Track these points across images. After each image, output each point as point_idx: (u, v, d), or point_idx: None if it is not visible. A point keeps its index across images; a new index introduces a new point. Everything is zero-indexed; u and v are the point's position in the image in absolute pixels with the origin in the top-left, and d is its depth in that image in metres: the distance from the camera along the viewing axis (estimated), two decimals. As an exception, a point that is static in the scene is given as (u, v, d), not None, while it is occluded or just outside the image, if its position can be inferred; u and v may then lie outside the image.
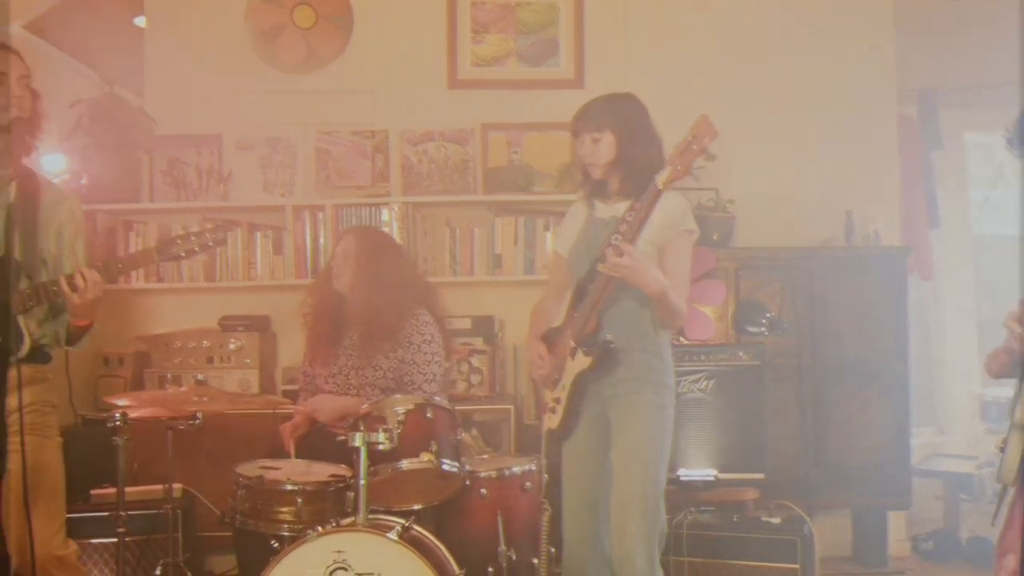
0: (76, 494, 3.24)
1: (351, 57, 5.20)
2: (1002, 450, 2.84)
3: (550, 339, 3.39)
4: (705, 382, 4.37)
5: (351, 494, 3.48)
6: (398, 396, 3.57)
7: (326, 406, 3.94)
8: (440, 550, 3.30)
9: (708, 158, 3.09)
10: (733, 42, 5.19)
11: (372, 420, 3.36)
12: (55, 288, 2.96)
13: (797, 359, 4.76)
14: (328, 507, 3.51)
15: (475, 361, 4.89)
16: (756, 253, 4.88)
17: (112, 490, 4.16)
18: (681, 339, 4.54)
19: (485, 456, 3.91)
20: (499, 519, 3.52)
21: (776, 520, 4.08)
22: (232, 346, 4.84)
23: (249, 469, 3.63)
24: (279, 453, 3.94)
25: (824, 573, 4.42)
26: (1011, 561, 2.86)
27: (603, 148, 3.28)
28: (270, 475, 3.57)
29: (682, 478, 4.28)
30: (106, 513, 4.10)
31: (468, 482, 3.51)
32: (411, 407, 3.42)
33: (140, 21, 5.24)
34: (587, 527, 3.35)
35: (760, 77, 5.18)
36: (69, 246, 3.16)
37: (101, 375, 4.83)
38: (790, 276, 4.80)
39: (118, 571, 3.84)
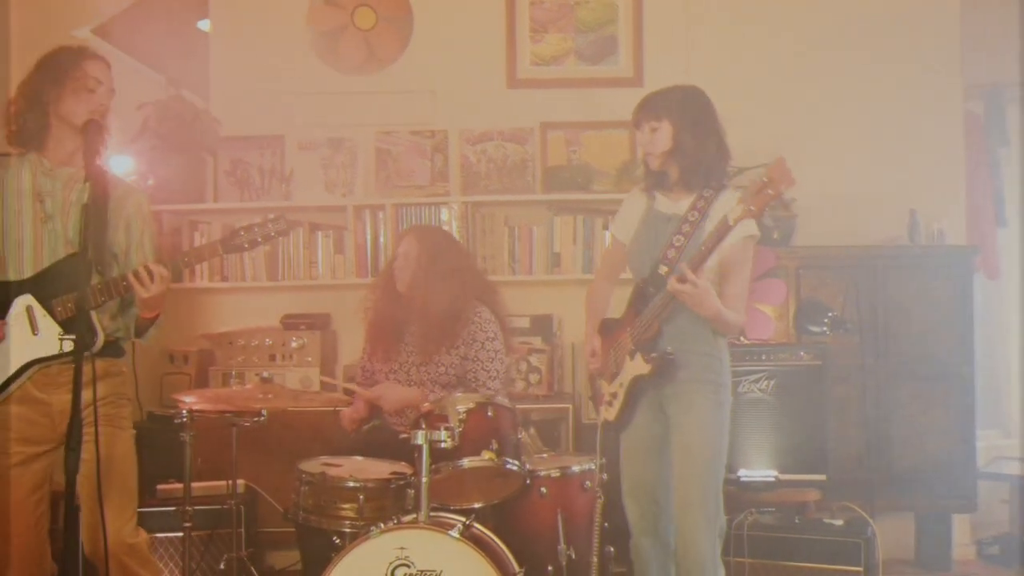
0: (142, 489, 3.30)
1: (411, 58, 5.24)
2: None
3: (607, 330, 3.42)
4: (765, 382, 4.33)
5: (411, 491, 3.50)
6: (460, 394, 3.58)
7: (391, 395, 3.96)
8: (500, 548, 3.31)
9: (783, 205, 3.07)
10: (797, 39, 5.15)
11: (434, 418, 3.37)
12: (124, 283, 3.03)
13: (860, 359, 4.70)
14: (388, 504, 3.54)
15: (533, 360, 4.90)
16: (818, 252, 4.83)
17: (177, 485, 4.26)
18: (741, 339, 4.51)
19: (544, 455, 3.91)
20: (559, 518, 3.50)
21: (839, 522, 4.04)
22: (294, 344, 4.90)
23: (311, 466, 3.66)
24: (340, 450, 3.97)
25: (887, 577, 4.37)
26: None
27: (660, 137, 3.28)
28: (332, 472, 3.60)
29: (742, 479, 4.26)
30: (172, 508, 4.18)
31: (528, 481, 3.51)
32: (472, 406, 3.42)
33: (203, 25, 5.33)
34: (648, 517, 3.38)
35: (824, 74, 5.13)
36: (138, 240, 3.23)
37: (166, 372, 4.92)
38: (853, 275, 4.75)
39: (184, 565, 3.92)
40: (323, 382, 4.78)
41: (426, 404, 3.52)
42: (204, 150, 5.16)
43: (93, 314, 3.01)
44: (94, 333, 2.98)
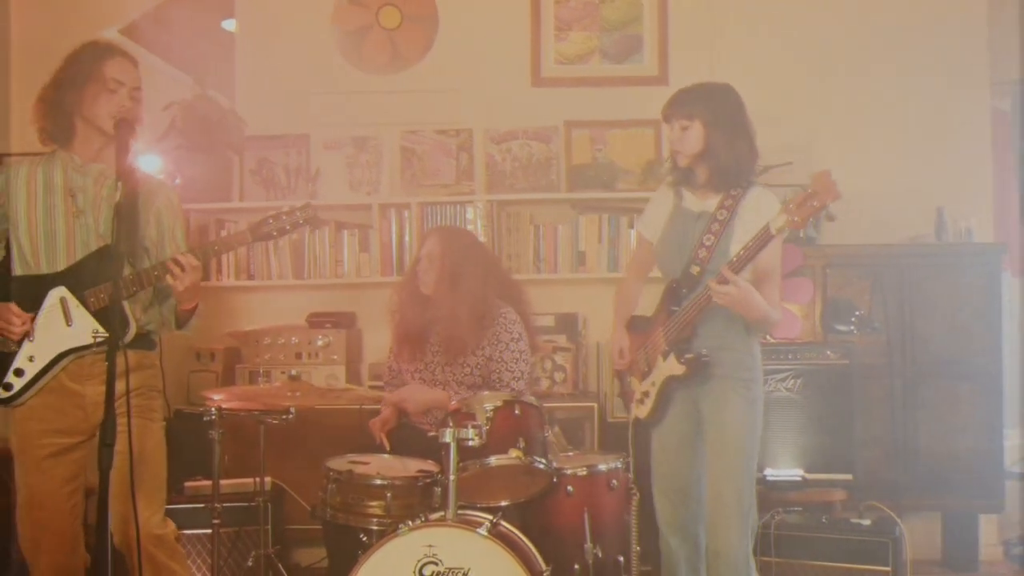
0: (169, 486, 3.33)
1: (436, 57, 5.25)
2: None
3: (636, 328, 3.42)
4: (792, 381, 4.32)
5: (438, 489, 3.51)
6: (487, 393, 3.58)
7: (416, 397, 3.97)
8: (527, 546, 3.31)
9: (828, 218, 3.07)
10: (822, 36, 5.13)
11: (461, 416, 3.38)
12: (156, 273, 3.06)
13: (887, 358, 4.68)
14: (416, 502, 3.55)
15: (558, 358, 4.90)
16: (844, 250, 4.81)
17: (204, 482, 4.29)
18: (768, 337, 4.49)
19: (571, 453, 3.91)
20: (585, 516, 3.50)
21: (866, 522, 4.03)
22: (320, 342, 4.92)
23: (339, 463, 3.68)
24: (365, 448, 3.98)
25: (914, 576, 4.35)
26: None
27: (691, 137, 3.27)
28: (360, 470, 3.62)
29: (768, 478, 4.25)
30: (200, 505, 4.20)
31: (555, 479, 3.51)
32: (500, 404, 3.43)
33: (228, 25, 5.35)
34: (679, 514, 3.38)
35: (850, 71, 5.11)
36: (169, 233, 3.26)
37: (193, 370, 4.95)
38: (879, 274, 4.73)
39: (213, 563, 3.94)
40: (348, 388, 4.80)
41: (453, 402, 3.53)
42: (230, 149, 5.19)
43: (126, 304, 3.05)
44: (126, 323, 3.02)
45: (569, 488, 3.53)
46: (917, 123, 5.10)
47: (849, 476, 4.27)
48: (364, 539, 3.46)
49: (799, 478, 4.26)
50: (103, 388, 2.75)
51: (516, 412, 3.44)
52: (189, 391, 4.88)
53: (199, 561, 4.31)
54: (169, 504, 3.34)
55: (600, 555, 3.51)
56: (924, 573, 4.74)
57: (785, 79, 5.05)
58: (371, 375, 4.99)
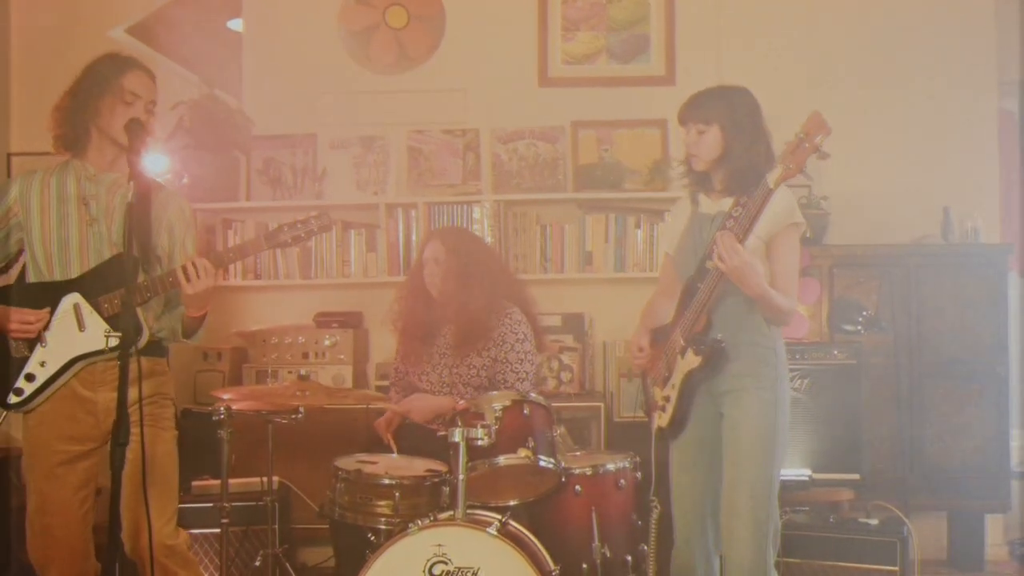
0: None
1: (442, 56, 5.26)
2: None
3: (658, 336, 3.37)
4: (799, 381, 4.32)
5: (446, 489, 3.53)
6: (495, 392, 3.59)
7: (421, 406, 3.96)
8: (536, 546, 3.32)
9: (820, 156, 3.02)
10: (829, 36, 5.14)
11: (470, 416, 3.39)
12: (170, 279, 3.07)
13: (893, 358, 4.68)
14: (424, 501, 3.56)
15: (565, 358, 4.91)
16: (851, 251, 4.81)
17: (211, 481, 4.29)
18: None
19: (578, 453, 3.91)
20: (593, 516, 3.51)
21: (874, 522, 4.03)
22: (327, 342, 4.93)
23: (347, 463, 3.69)
24: (372, 447, 3.99)
25: (920, 576, 4.36)
26: None
27: (708, 141, 3.22)
28: (368, 469, 3.63)
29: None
30: (208, 504, 4.20)
31: (563, 479, 3.51)
32: (508, 403, 3.43)
33: (235, 24, 5.36)
34: (695, 526, 3.30)
35: (856, 72, 5.11)
36: (180, 242, 3.27)
37: (200, 370, 4.95)
38: (886, 274, 4.73)
39: (221, 562, 3.94)
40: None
41: (462, 402, 3.53)
42: (237, 149, 5.19)
43: (138, 311, 3.05)
44: (139, 329, 3.02)
45: (577, 488, 3.53)
46: (923, 123, 5.10)
47: (856, 476, 4.27)
48: (372, 538, 3.47)
49: (806, 478, 4.25)
50: (115, 395, 2.76)
51: (525, 412, 3.44)
52: (196, 390, 4.89)
53: (206, 560, 4.30)
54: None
55: (608, 555, 3.51)
56: (930, 573, 4.74)
57: (791, 78, 5.04)
58: (378, 375, 5.00)
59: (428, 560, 3.09)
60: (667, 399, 3.30)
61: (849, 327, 4.61)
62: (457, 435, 3.21)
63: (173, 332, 3.27)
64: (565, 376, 4.90)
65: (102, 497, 3.16)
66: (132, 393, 2.70)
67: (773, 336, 3.24)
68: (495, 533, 3.10)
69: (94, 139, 3.15)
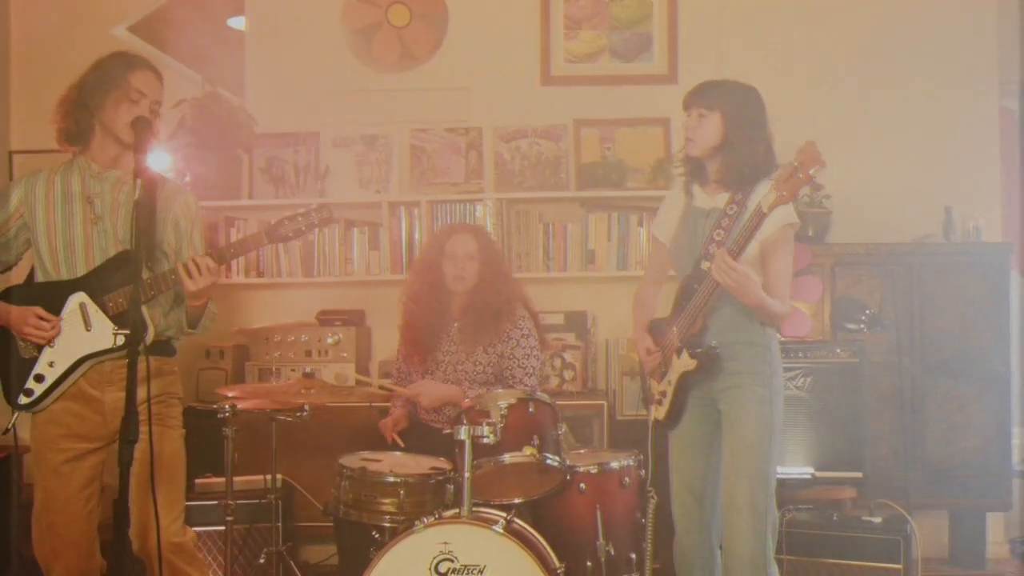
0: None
1: (445, 55, 5.25)
2: None
3: (655, 330, 3.42)
4: (802, 379, 4.33)
5: (450, 486, 3.53)
6: (500, 390, 3.59)
7: (431, 391, 3.96)
8: (541, 543, 3.32)
9: (814, 188, 3.06)
10: (831, 35, 5.14)
11: (475, 414, 3.39)
12: (173, 276, 3.07)
13: (896, 357, 4.69)
14: (428, 499, 3.56)
15: (568, 356, 4.91)
16: (853, 249, 4.82)
17: (214, 480, 4.30)
18: (778, 335, 4.50)
19: (582, 451, 3.92)
20: (598, 514, 3.52)
21: (877, 519, 4.04)
22: (330, 340, 4.93)
23: (352, 461, 3.69)
24: (376, 445, 4.00)
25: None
26: None
27: (708, 126, 3.24)
28: (372, 467, 3.63)
29: (778, 476, 4.23)
30: (211, 502, 4.21)
31: (568, 477, 3.52)
32: (514, 401, 3.44)
33: (236, 22, 5.36)
34: (694, 517, 3.36)
35: (858, 71, 5.12)
36: (187, 237, 3.26)
37: (202, 367, 4.96)
38: (888, 273, 4.74)
39: (226, 561, 3.95)
40: (359, 380, 4.80)
41: (467, 400, 3.54)
42: (239, 147, 5.19)
43: (144, 309, 3.05)
44: (145, 327, 3.03)
45: (582, 486, 3.54)
46: (925, 123, 5.11)
47: (859, 474, 4.28)
48: (376, 536, 3.48)
49: (809, 476, 4.27)
50: (122, 394, 2.75)
51: (530, 410, 3.45)
52: (199, 388, 4.89)
53: (209, 559, 4.31)
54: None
55: (612, 552, 3.52)
56: (931, 571, 4.74)
57: (794, 77, 5.05)
58: (381, 373, 5.00)
59: (434, 558, 3.09)
60: (663, 394, 3.37)
61: (851, 326, 4.62)
62: (463, 433, 3.21)
63: (180, 328, 3.27)
64: (568, 374, 4.90)
65: (107, 495, 3.18)
66: (140, 393, 2.70)
67: (768, 335, 3.30)
68: (501, 531, 3.11)
69: (97, 135, 3.15)
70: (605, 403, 4.76)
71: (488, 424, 3.26)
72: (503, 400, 3.43)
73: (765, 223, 3.09)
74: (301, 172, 5.19)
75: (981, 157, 5.16)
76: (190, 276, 3.04)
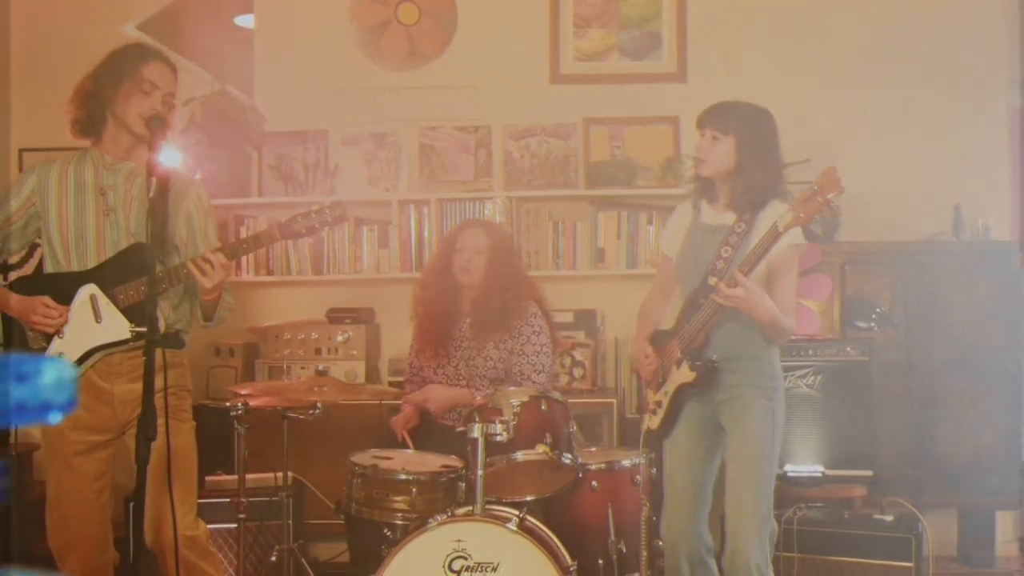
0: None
1: (454, 53, 5.25)
2: None
3: (657, 340, 3.43)
4: (812, 377, 4.33)
5: (462, 484, 3.54)
6: (513, 388, 3.60)
7: (439, 396, 3.97)
8: (553, 541, 3.33)
9: (832, 213, 3.08)
10: (840, 34, 5.14)
11: (488, 412, 3.40)
12: (184, 271, 3.07)
13: (906, 355, 4.69)
14: (440, 497, 3.56)
15: (577, 354, 4.91)
16: (862, 248, 4.82)
17: (225, 477, 4.30)
18: (778, 351, 4.51)
19: (593, 449, 3.93)
20: (609, 511, 3.52)
21: (888, 518, 4.04)
22: (339, 338, 4.93)
23: (363, 458, 3.69)
24: (386, 443, 4.00)
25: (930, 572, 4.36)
26: None
27: (720, 150, 3.26)
28: (384, 464, 3.63)
29: (789, 474, 4.26)
30: (221, 500, 4.22)
31: (580, 474, 3.52)
32: (526, 399, 3.44)
33: (244, 20, 5.36)
34: (686, 525, 3.38)
35: (867, 70, 5.11)
36: (200, 231, 3.27)
37: (212, 365, 4.96)
38: (898, 271, 4.74)
39: (239, 559, 3.95)
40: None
41: (479, 398, 3.54)
42: (249, 145, 5.19)
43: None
44: (155, 320, 3.03)
45: (594, 483, 3.55)
46: (935, 121, 5.10)
47: (869, 472, 4.29)
48: (388, 534, 3.48)
49: (819, 474, 4.27)
50: (131, 386, 2.75)
51: (543, 408, 3.46)
52: (209, 386, 4.90)
53: (220, 556, 4.31)
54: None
55: (624, 550, 3.53)
56: (941, 569, 4.74)
57: (803, 77, 5.05)
58: (391, 371, 5.01)
59: (448, 555, 3.10)
60: (659, 404, 3.39)
61: (862, 324, 4.62)
62: (476, 431, 3.22)
63: (189, 324, 3.28)
64: (577, 372, 4.90)
65: (117, 490, 3.18)
66: (155, 383, 2.71)
67: (771, 351, 3.32)
68: (515, 528, 3.11)
69: (110, 126, 3.16)
70: (615, 401, 4.77)
71: (501, 422, 3.27)
72: (516, 398, 3.44)
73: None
74: (310, 170, 5.20)
75: (991, 156, 5.16)
76: (202, 273, 3.05)
